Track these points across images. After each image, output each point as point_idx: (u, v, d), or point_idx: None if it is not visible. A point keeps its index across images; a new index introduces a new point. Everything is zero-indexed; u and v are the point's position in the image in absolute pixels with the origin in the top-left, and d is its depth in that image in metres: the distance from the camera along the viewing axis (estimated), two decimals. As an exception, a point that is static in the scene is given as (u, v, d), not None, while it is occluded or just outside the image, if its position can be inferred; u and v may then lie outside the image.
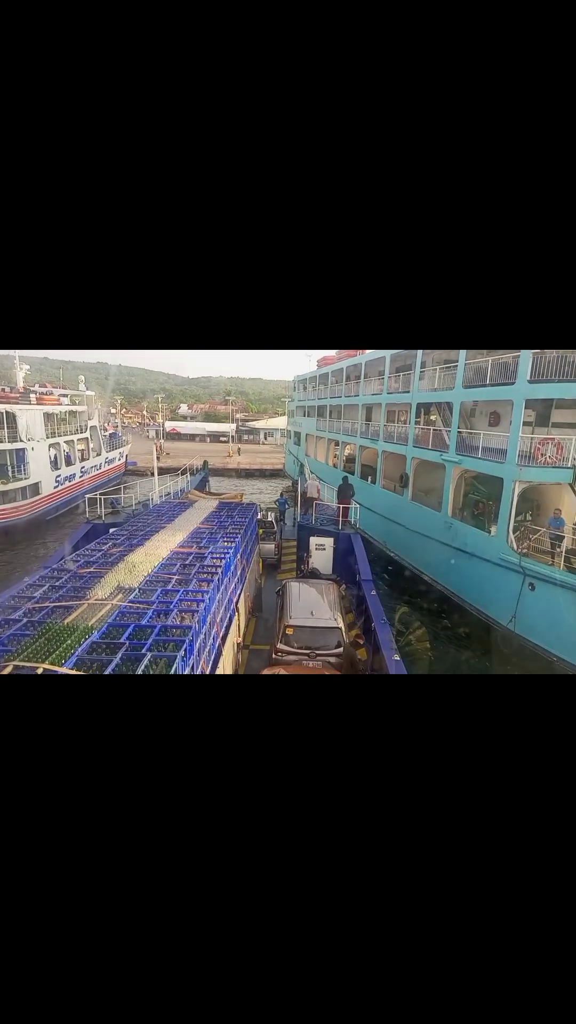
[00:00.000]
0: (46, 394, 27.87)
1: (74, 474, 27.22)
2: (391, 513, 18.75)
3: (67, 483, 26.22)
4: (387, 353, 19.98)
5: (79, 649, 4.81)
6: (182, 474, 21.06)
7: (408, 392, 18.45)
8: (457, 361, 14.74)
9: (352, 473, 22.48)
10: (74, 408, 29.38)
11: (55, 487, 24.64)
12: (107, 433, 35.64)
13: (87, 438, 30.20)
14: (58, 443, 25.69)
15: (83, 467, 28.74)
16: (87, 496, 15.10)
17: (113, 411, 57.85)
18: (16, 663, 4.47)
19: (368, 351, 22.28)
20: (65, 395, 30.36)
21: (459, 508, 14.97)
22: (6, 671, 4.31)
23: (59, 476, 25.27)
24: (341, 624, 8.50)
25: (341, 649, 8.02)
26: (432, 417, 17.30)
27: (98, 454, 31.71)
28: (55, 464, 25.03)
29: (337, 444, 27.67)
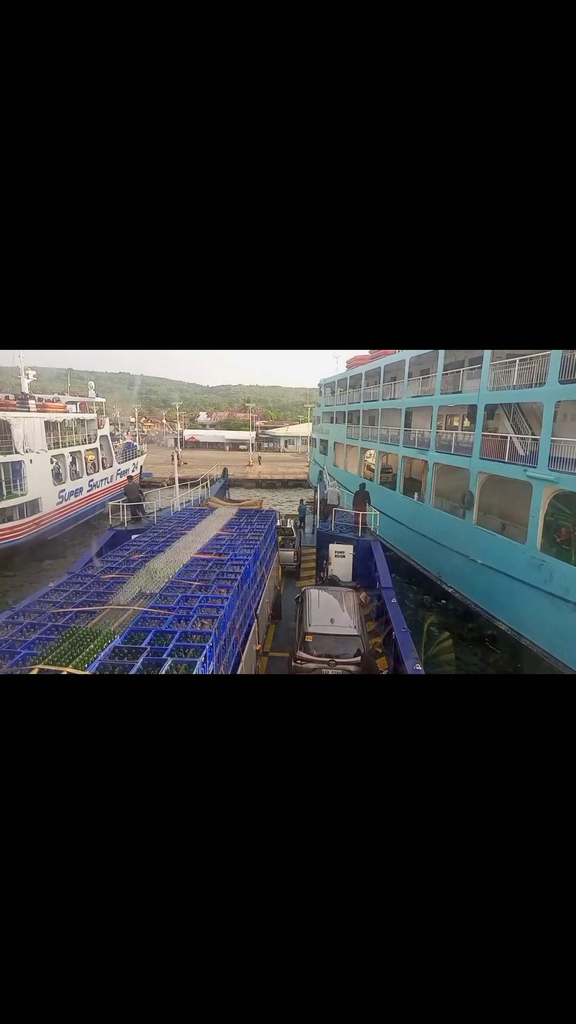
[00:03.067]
0: (51, 401, 25.50)
1: (81, 488, 24.70)
2: (448, 539, 15.17)
3: (72, 498, 23.69)
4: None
5: (102, 654, 4.89)
6: (202, 484, 19.71)
7: (470, 392, 14.93)
8: (528, 353, 12.17)
9: (394, 488, 19.98)
10: (82, 416, 26.94)
11: (58, 503, 22.17)
12: (122, 442, 33.92)
13: (97, 448, 27.73)
14: (62, 454, 23.18)
15: (92, 480, 26.18)
16: (110, 504, 14.59)
17: (133, 420, 58.15)
18: (41, 666, 4.57)
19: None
20: (73, 402, 27.87)
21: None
22: (32, 673, 4.41)
23: (63, 491, 22.73)
24: (361, 632, 8.43)
25: (360, 658, 7.95)
26: (494, 422, 14.45)
27: (109, 465, 29.40)
28: (59, 477, 22.66)
29: (367, 453, 24.81)
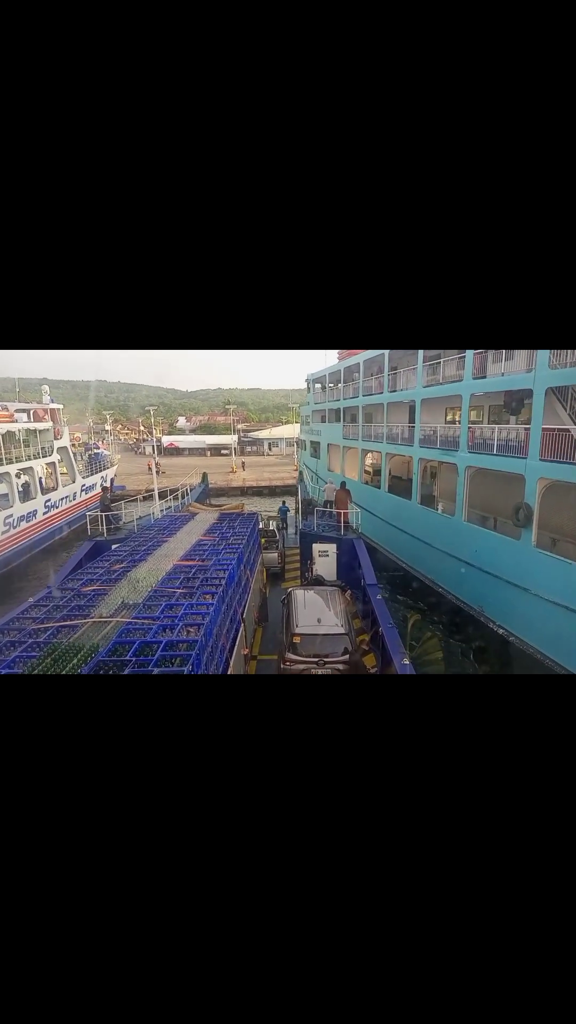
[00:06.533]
0: None
1: (34, 511, 20.95)
2: (497, 565, 11.83)
3: (23, 524, 19.83)
4: None
5: (85, 668, 4.81)
6: (181, 494, 18.74)
7: (519, 374, 11.36)
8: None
9: (406, 496, 16.89)
10: (35, 426, 23.25)
11: (4, 532, 18.70)
12: (88, 453, 30.66)
13: (55, 462, 23.94)
14: (8, 473, 19.32)
15: (48, 500, 22.32)
16: (88, 514, 14.04)
17: (108, 428, 56.90)
18: None
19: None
20: (24, 410, 23.70)
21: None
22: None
23: (9, 517, 19.00)
24: (348, 630, 8.46)
25: (348, 656, 7.97)
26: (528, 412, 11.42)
27: (71, 481, 25.62)
28: (5, 501, 19.29)
29: (369, 455, 21.68)
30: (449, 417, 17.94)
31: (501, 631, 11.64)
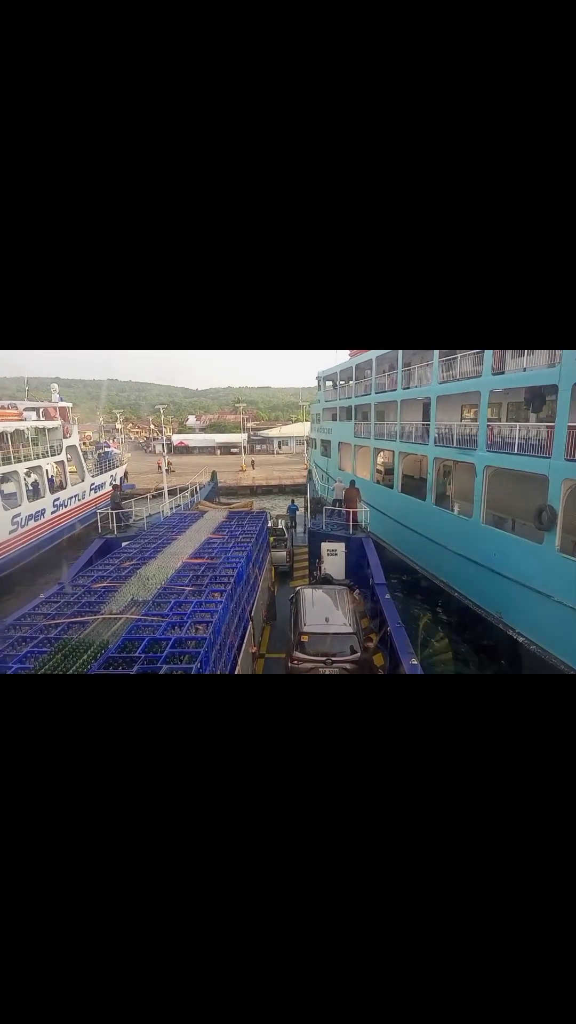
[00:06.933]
0: (5, 408, 21.98)
1: (43, 510, 20.75)
2: (517, 569, 11.31)
3: (32, 523, 19.66)
4: None
5: (95, 664, 4.85)
6: (189, 492, 18.76)
7: (543, 369, 10.88)
8: None
9: (422, 498, 16.42)
10: (44, 424, 23.07)
11: (12, 531, 18.21)
12: (99, 452, 30.87)
13: (63, 461, 23.87)
14: (16, 472, 19.06)
15: (57, 499, 22.14)
16: (99, 512, 14.17)
17: (119, 427, 56.98)
18: None
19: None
20: (33, 409, 23.77)
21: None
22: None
23: (17, 516, 18.62)
24: (356, 629, 8.44)
25: (357, 655, 7.95)
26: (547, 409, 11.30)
27: (80, 480, 25.44)
28: (13, 500, 18.94)
29: (381, 454, 21.42)
30: (465, 415, 17.60)
31: (521, 639, 11.16)
